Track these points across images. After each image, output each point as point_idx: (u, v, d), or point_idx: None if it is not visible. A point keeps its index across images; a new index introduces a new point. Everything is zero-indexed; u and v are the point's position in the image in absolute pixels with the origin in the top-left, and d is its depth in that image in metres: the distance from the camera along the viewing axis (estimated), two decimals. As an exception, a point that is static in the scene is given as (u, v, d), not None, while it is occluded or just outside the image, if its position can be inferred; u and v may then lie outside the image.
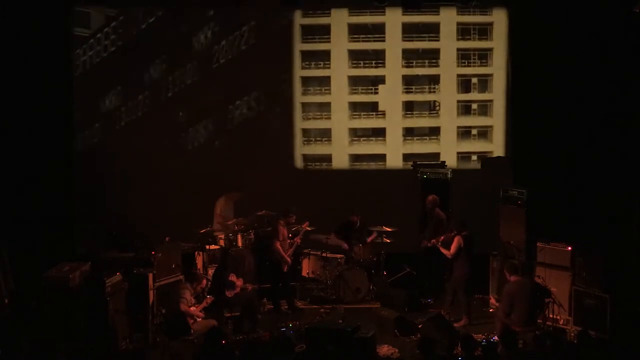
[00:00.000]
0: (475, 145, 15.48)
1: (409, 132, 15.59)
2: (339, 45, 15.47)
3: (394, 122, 15.55)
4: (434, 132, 15.56)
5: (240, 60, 15.34)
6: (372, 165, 15.57)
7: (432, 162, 14.62)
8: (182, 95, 15.43)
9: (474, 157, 15.54)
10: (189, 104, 15.44)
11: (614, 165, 14.14)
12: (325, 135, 15.60)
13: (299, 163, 15.59)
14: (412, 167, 14.59)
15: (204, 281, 12.20)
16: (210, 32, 15.39)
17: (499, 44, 15.30)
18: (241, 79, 15.30)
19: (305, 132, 15.60)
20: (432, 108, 15.59)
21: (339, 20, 15.43)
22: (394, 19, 15.40)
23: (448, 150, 15.21)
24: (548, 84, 14.51)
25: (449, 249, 12.58)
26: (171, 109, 15.48)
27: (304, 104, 15.57)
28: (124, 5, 15.35)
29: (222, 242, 13.75)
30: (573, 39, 14.30)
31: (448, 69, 15.46)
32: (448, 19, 15.36)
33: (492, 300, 12.46)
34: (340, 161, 15.56)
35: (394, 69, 15.51)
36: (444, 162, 14.69)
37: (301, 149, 15.59)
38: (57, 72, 14.84)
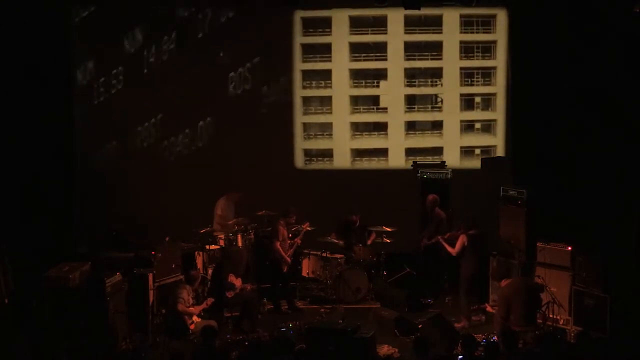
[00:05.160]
0: (477, 163, 15.31)
1: (410, 152, 15.50)
2: (340, 63, 15.45)
3: (396, 141, 15.53)
4: (437, 151, 15.50)
5: (240, 64, 15.34)
6: (374, 163, 15.58)
7: (432, 162, 14.61)
8: (182, 96, 15.40)
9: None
10: (189, 105, 15.42)
11: (614, 165, 14.13)
12: (326, 155, 15.62)
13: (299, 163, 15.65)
14: (412, 167, 14.60)
15: (200, 278, 12.24)
16: (207, 30, 15.39)
17: (501, 61, 15.26)
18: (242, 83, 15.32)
19: (307, 152, 15.63)
20: (434, 126, 15.56)
21: (340, 38, 15.39)
22: (395, 38, 15.34)
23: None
24: (548, 85, 14.50)
25: (453, 246, 12.58)
26: (171, 109, 15.47)
27: (305, 124, 15.59)
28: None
29: (222, 242, 13.76)
30: (573, 39, 14.30)
31: (451, 87, 15.43)
32: (450, 36, 15.29)
33: (488, 308, 12.48)
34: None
35: (396, 87, 15.47)
36: (444, 162, 14.70)
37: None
38: (58, 72, 14.84)
